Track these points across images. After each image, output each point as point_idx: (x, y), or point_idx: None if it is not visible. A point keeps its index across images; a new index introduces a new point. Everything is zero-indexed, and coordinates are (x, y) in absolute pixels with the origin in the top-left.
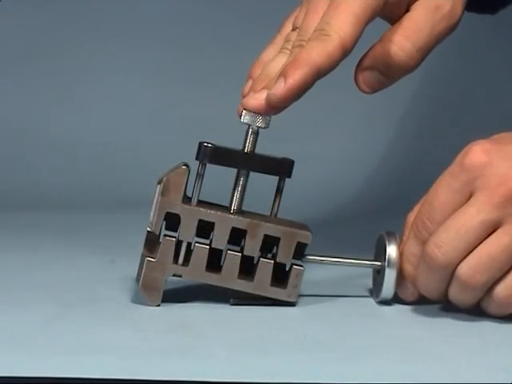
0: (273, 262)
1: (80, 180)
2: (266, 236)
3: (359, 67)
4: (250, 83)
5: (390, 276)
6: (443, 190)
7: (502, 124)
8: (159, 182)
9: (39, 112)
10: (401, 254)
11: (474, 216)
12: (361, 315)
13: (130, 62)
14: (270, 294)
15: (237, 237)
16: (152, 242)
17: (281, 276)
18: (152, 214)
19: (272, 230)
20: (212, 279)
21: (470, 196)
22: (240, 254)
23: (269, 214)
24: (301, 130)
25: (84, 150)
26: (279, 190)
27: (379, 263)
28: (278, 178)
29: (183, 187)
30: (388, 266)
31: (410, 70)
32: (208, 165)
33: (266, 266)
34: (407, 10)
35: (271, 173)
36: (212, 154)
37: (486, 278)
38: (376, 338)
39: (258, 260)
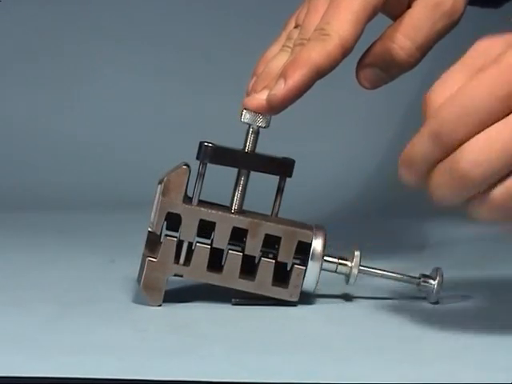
0: (274, 261)
1: (80, 180)
2: (267, 235)
3: (360, 64)
4: (253, 80)
5: (312, 270)
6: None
7: None
8: (160, 182)
9: (39, 112)
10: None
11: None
12: (361, 315)
13: (130, 61)
14: (271, 293)
15: (238, 236)
16: (153, 242)
17: (282, 275)
18: (153, 214)
19: (273, 229)
20: (213, 279)
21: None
22: (241, 254)
23: (270, 213)
24: (302, 130)
25: (84, 150)
26: (280, 190)
27: None
28: (278, 177)
29: (184, 187)
30: (311, 259)
31: (410, 68)
32: (209, 164)
33: (267, 266)
34: (409, 6)
35: (272, 172)
36: (213, 154)
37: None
38: (376, 338)
39: (260, 259)
